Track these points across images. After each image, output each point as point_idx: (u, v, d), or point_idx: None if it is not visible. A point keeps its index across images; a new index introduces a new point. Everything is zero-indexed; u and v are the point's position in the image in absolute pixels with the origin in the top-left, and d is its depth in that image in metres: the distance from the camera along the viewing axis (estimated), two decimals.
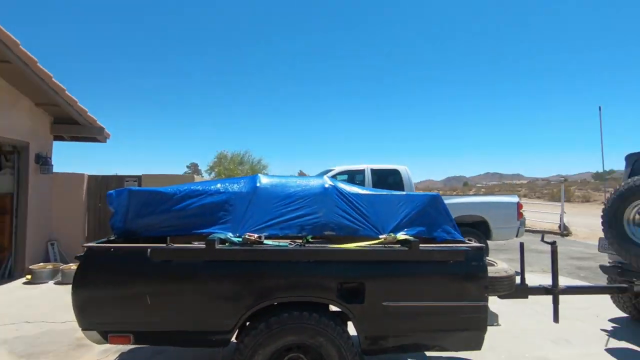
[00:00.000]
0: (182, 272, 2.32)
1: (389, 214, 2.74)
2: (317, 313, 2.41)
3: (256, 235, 2.41)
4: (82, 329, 2.33)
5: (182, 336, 2.37)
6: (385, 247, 2.53)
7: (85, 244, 2.31)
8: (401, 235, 2.56)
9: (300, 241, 2.55)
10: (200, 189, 2.72)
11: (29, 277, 6.13)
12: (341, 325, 2.48)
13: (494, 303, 3.58)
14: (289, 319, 2.37)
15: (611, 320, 4.42)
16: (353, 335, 2.57)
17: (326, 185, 2.87)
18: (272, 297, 2.38)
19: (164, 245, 2.33)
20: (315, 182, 2.96)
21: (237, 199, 2.62)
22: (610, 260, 4.25)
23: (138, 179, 7.71)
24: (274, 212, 2.59)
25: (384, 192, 3.17)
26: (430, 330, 2.55)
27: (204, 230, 2.49)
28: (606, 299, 4.53)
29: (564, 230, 12.91)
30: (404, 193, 3.92)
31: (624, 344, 3.75)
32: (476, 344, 2.64)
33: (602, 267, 4.19)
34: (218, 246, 2.31)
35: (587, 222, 14.70)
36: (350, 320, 2.49)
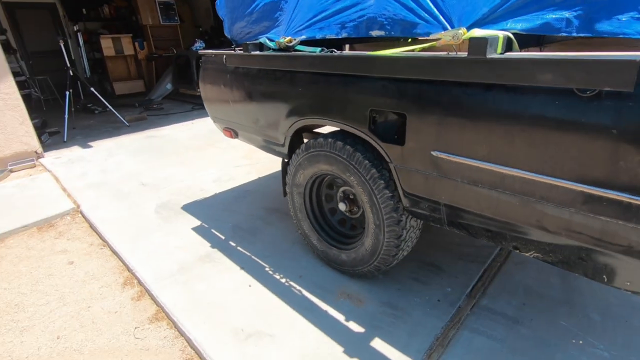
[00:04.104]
0: (245, 79, 2.33)
1: None
2: (352, 146, 1.86)
3: (287, 39, 1.92)
4: (213, 120, 2.98)
5: (259, 143, 2.55)
6: (432, 54, 1.36)
7: (202, 51, 2.71)
8: (478, 31, 1.24)
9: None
10: None
11: None
12: (383, 169, 1.81)
13: None
14: (322, 145, 1.99)
15: None
16: None
17: None
18: (307, 116, 2.00)
19: (232, 50, 2.34)
20: None
21: None
22: None
23: None
24: (318, 7, 1.88)
25: None
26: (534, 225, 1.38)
27: (264, 35, 2.24)
28: None
29: None
30: None
31: None
32: None
33: None
34: (252, 52, 2.07)
35: None
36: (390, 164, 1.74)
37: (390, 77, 1.55)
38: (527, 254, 1.46)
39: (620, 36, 1.11)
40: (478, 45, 1.17)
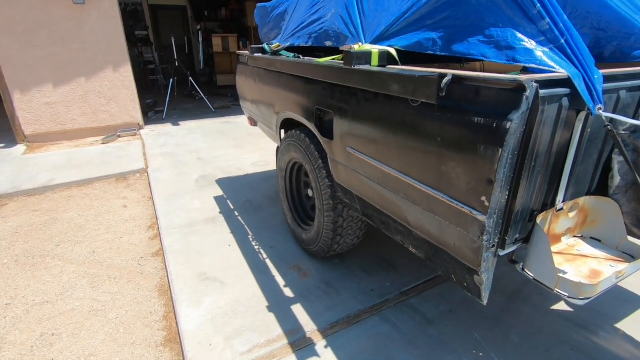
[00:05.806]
0: (256, 76, 2.78)
1: (392, 9, 1.47)
2: (310, 138, 2.17)
3: (275, 45, 2.30)
4: (243, 110, 3.51)
5: (266, 131, 2.99)
6: (332, 63, 1.58)
7: (238, 51, 3.26)
8: (368, 46, 1.44)
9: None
10: None
11: None
12: (327, 160, 2.07)
13: None
14: (292, 136, 2.34)
15: None
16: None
17: None
18: (285, 110, 2.36)
19: (245, 51, 2.81)
20: None
21: (290, 7, 2.41)
22: None
23: None
24: (300, 20, 2.20)
25: None
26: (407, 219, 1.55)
27: (274, 41, 2.65)
28: None
29: None
30: None
31: None
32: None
33: None
34: (255, 54, 2.50)
35: None
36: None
37: (323, 81, 1.82)
38: (409, 248, 1.60)
39: (468, 56, 1.24)
40: (348, 57, 1.40)
